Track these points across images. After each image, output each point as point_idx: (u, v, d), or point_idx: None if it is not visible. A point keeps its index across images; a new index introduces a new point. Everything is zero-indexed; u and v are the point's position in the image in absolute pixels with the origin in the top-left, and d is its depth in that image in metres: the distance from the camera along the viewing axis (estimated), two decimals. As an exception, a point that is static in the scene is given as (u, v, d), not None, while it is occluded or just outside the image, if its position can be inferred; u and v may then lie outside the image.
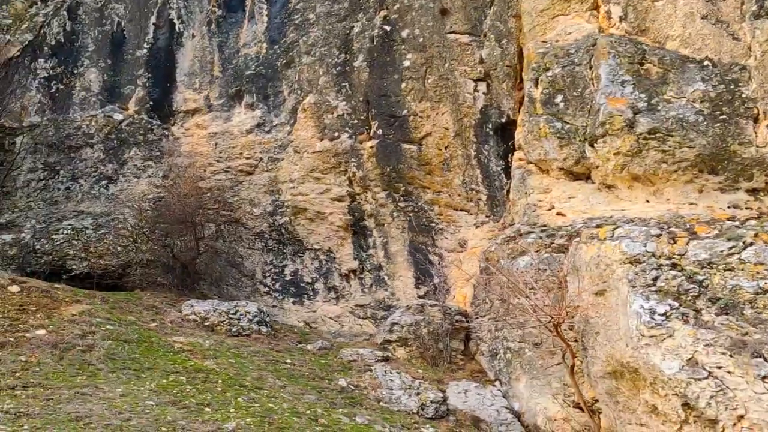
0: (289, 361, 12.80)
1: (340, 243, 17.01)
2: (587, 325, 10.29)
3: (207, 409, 9.45)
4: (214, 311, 14.46)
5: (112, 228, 18.35)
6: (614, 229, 10.24)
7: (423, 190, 16.24)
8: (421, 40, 16.61)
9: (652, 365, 8.82)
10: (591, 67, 13.16)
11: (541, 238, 12.26)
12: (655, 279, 9.25)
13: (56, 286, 14.23)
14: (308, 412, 10.16)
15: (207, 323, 14.20)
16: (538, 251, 12.14)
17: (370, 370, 12.77)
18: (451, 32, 16.39)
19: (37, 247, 18.32)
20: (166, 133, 19.32)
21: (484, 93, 15.92)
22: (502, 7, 15.98)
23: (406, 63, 16.63)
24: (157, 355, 11.53)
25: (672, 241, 9.50)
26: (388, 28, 17.07)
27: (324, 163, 17.20)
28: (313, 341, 14.56)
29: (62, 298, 13.31)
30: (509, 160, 15.63)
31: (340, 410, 10.69)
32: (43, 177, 19.71)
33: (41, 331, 11.18)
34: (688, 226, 9.90)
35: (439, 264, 15.85)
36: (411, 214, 16.26)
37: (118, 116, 19.66)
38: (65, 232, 18.43)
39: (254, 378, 11.32)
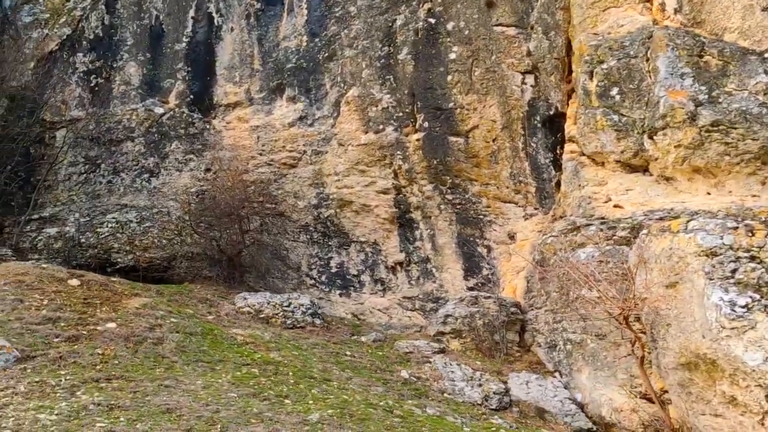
0: (348, 353, 12.89)
1: (386, 235, 17.08)
2: (657, 317, 10.35)
3: (287, 401, 9.55)
4: (268, 303, 14.55)
5: (156, 221, 18.44)
6: (688, 221, 10.27)
7: (470, 183, 16.28)
8: (466, 32, 16.62)
9: (733, 357, 8.88)
10: (648, 60, 13.16)
11: (601, 230, 12.30)
12: (734, 271, 9.29)
13: (113, 279, 14.33)
14: (381, 403, 10.25)
15: (262, 315, 14.29)
16: (598, 243, 12.19)
17: (429, 362, 12.84)
18: (497, 25, 16.41)
19: (82, 240, 18.43)
20: (208, 126, 19.41)
21: (531, 85, 15.94)
22: (549, 0, 15.94)
23: (452, 56, 16.67)
24: (223, 347, 11.63)
25: (750, 234, 9.54)
26: (432, 20, 17.09)
27: (369, 156, 17.25)
28: (366, 333, 14.64)
29: (121, 291, 13.42)
30: (558, 152, 15.68)
31: (410, 402, 10.78)
32: (85, 171, 19.82)
33: (111, 324, 11.29)
34: (763, 219, 9.92)
35: (487, 256, 15.91)
36: (458, 207, 16.31)
37: (159, 110, 19.75)
38: (110, 225, 18.54)
39: (320, 370, 11.41)
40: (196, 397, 8.99)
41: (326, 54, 18.49)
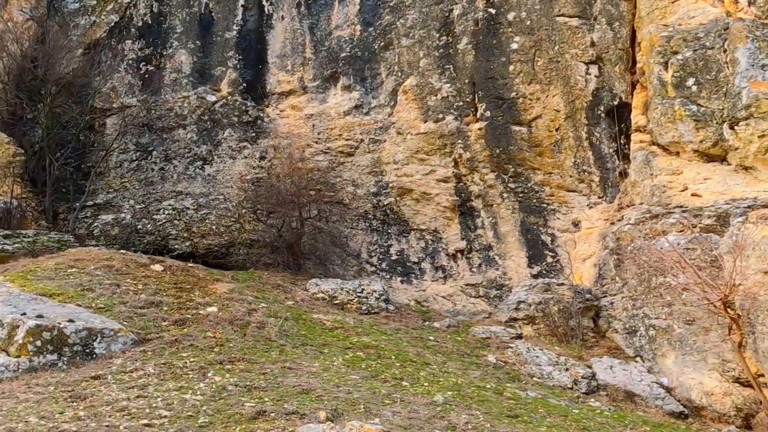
0: (431, 338, 13.11)
1: (446, 223, 17.29)
2: (755, 303, 10.63)
3: (404, 383, 9.76)
4: (342, 290, 14.74)
5: (213, 208, 18.59)
6: (791, 209, 10.52)
7: (533, 171, 16.50)
8: (528, 23, 16.79)
9: None
10: (725, 51, 13.38)
11: (685, 218, 12.54)
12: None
13: (190, 265, 14.47)
14: (488, 386, 10.48)
15: (336, 301, 14.48)
16: (682, 231, 12.43)
17: (510, 347, 13.07)
18: (559, 15, 16.57)
19: (139, 227, 18.59)
20: (261, 114, 19.52)
21: (595, 75, 16.14)
22: (613, -9, 16.12)
23: (514, 46, 16.83)
24: (317, 331, 11.83)
25: None
26: (492, 11, 17.24)
27: (429, 145, 17.43)
28: (437, 319, 14.86)
29: (203, 277, 13.58)
30: (621, 141, 15.90)
31: (508, 385, 11.01)
32: (136, 158, 19.93)
33: (212, 309, 11.46)
34: None
35: (551, 244, 16.15)
36: (521, 195, 16.54)
37: (211, 98, 19.85)
38: (166, 212, 18.67)
39: (415, 354, 11.62)
40: (323, 379, 9.19)
41: (382, 43, 18.62)
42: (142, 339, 10.12)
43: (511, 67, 16.78)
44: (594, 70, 16.18)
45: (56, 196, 19.52)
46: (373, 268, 17.56)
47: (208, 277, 13.59)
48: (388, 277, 17.23)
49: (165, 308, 11.31)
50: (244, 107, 19.55)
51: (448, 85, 17.42)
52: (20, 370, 9.27)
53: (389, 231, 17.74)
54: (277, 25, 20.18)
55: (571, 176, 16.16)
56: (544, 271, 16.04)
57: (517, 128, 16.56)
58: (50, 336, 9.52)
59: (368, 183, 18.03)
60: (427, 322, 14.59)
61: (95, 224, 18.87)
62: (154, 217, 18.67)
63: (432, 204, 17.38)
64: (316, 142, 18.82)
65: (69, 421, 7.42)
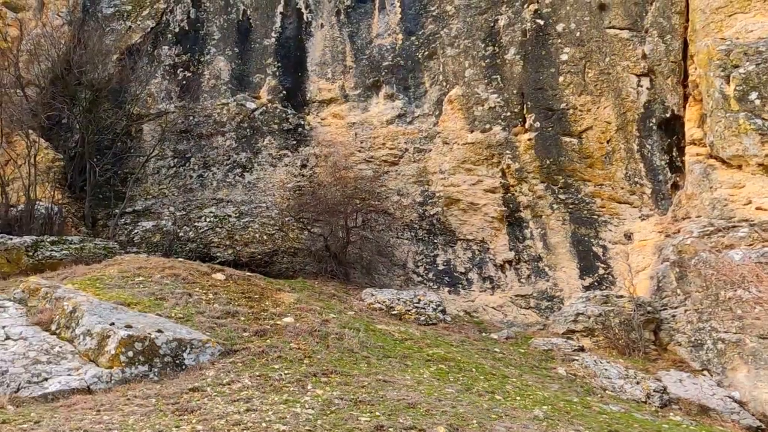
0: (497, 349, 13.05)
1: (493, 234, 17.26)
2: (836, 318, 10.63)
3: (498, 397, 9.69)
4: (398, 300, 14.67)
5: (256, 216, 18.48)
6: None
7: (583, 183, 16.50)
8: (578, 34, 16.82)
9: None
10: (789, 66, 13.44)
11: (755, 232, 12.56)
12: None
13: (248, 274, 14.34)
14: (573, 399, 10.43)
15: (394, 312, 14.40)
16: (751, 245, 12.45)
17: (575, 359, 13.03)
18: (610, 27, 16.61)
19: (180, 234, 18.45)
20: (302, 122, 19.47)
21: (647, 88, 16.17)
22: (665, 4, 16.18)
23: (564, 57, 16.85)
24: (390, 343, 11.74)
25: None
26: (540, 21, 17.27)
27: (476, 155, 17.42)
28: (493, 331, 14.81)
29: (265, 287, 13.47)
30: (673, 154, 15.93)
31: (588, 398, 10.96)
32: (174, 164, 19.81)
33: (289, 319, 11.35)
34: None
35: (603, 255, 16.13)
36: (571, 206, 16.52)
37: (251, 105, 19.78)
38: (208, 219, 18.55)
39: (491, 367, 11.56)
40: (421, 393, 9.11)
41: (426, 52, 18.63)
42: (228, 350, 10.00)
43: (561, 78, 16.79)
44: (645, 82, 16.20)
45: (94, 202, 19.37)
46: (420, 278, 17.50)
47: (270, 287, 13.47)
48: (435, 287, 17.16)
49: (242, 318, 11.19)
50: (284, 115, 19.49)
51: (495, 95, 17.42)
52: (113, 382, 9.14)
53: (435, 241, 17.69)
54: (316, 32, 20.15)
55: (622, 188, 16.15)
56: (595, 283, 16.02)
57: (567, 139, 16.56)
58: (142, 347, 9.40)
59: (414, 192, 17.98)
60: (484, 333, 14.53)
61: (135, 231, 18.72)
62: (196, 224, 18.53)
63: (479, 214, 17.35)
64: (359, 151, 18.76)
65: (189, 435, 7.31)
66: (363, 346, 10.93)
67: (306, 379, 9.17)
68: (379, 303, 14.65)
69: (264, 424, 7.63)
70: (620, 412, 10.44)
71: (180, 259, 15.04)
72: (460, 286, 17.20)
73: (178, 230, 18.46)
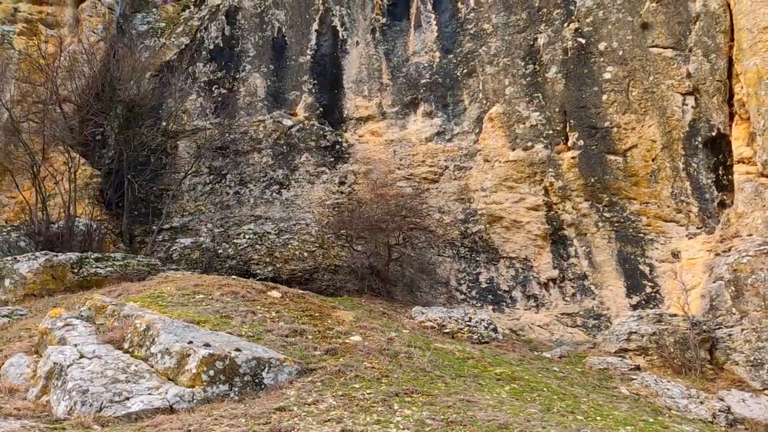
0: (556, 368, 12.97)
1: (537, 251, 17.22)
2: None
3: (579, 417, 9.61)
4: (450, 318, 14.59)
5: (295, 233, 18.42)
6: None
7: (628, 201, 16.50)
8: (620, 53, 16.89)
9: None
10: (843, 85, 13.50)
11: (817, 251, 12.56)
12: None
13: (301, 292, 14.26)
14: (650, 419, 10.36)
15: (446, 330, 14.32)
16: (812, 264, 12.45)
17: (633, 378, 12.95)
18: (653, 46, 16.69)
19: (220, 251, 18.36)
20: (339, 139, 19.47)
21: (692, 107, 16.22)
22: (709, 23, 16.27)
23: (607, 75, 16.92)
24: (454, 361, 11.66)
25: None
26: (582, 40, 17.34)
27: (518, 173, 17.42)
28: (544, 349, 14.74)
29: (320, 304, 13.37)
30: (720, 172, 15.95)
31: (660, 418, 10.89)
32: (210, 181, 19.77)
33: (357, 338, 11.27)
34: None
35: (650, 274, 16.10)
36: (617, 224, 16.51)
37: (288, 122, 19.79)
38: (247, 236, 18.48)
39: (557, 386, 11.48)
40: (507, 413, 9.03)
41: (465, 70, 18.68)
42: (304, 369, 9.91)
43: (605, 97, 16.85)
44: (690, 101, 16.25)
45: (130, 219, 19.31)
46: (463, 296, 17.43)
47: (325, 305, 13.39)
48: (479, 305, 17.09)
49: (310, 337, 11.10)
50: (321, 132, 19.49)
51: (537, 113, 17.46)
52: (195, 401, 9.03)
53: (477, 258, 17.65)
54: (351, 50, 20.21)
55: (668, 206, 16.16)
56: (643, 302, 15.98)
57: (612, 157, 16.59)
58: (222, 366, 9.31)
59: (455, 210, 17.96)
60: (536, 352, 14.45)
61: (174, 248, 18.64)
62: (235, 241, 18.46)
63: (522, 232, 17.32)
64: (398, 168, 18.76)
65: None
66: (433, 365, 10.84)
67: (390, 398, 9.08)
68: (431, 321, 14.56)
69: (365, 445, 7.54)
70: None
71: (233, 276, 14.95)
72: (504, 304, 17.14)
73: (217, 247, 18.38)
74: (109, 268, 15.89)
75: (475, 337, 14.31)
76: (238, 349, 9.62)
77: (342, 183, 19.10)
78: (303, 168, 19.38)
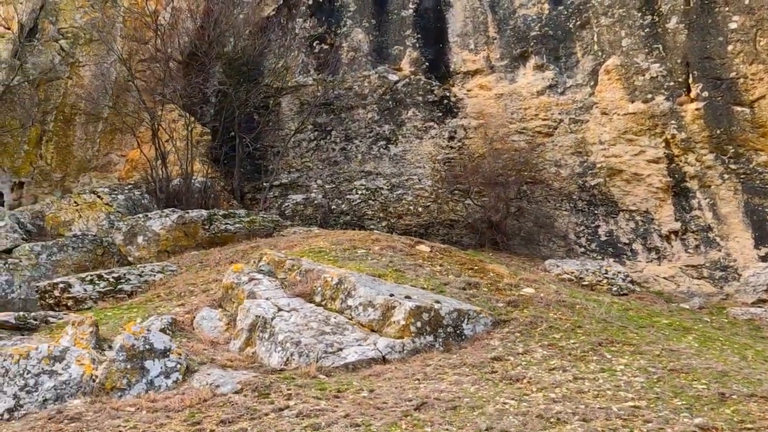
0: (707, 319, 13.02)
1: (658, 204, 17.15)
2: None
3: (777, 366, 9.68)
4: (586, 270, 14.64)
5: (408, 188, 18.48)
6: None
7: (755, 153, 16.31)
8: (747, 2, 16.51)
9: None
10: None
11: None
12: None
13: (442, 245, 14.35)
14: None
15: (585, 283, 14.38)
16: None
17: (784, 330, 12.98)
18: (782, -6, 16.28)
19: (333, 207, 18.47)
20: (447, 94, 19.36)
21: (824, 56, 15.89)
22: (842, -31, 15.85)
23: (732, 25, 16.57)
24: (623, 312, 11.74)
25: None
26: (704, -11, 16.96)
27: (637, 125, 17.26)
28: (679, 301, 14.77)
29: (470, 258, 13.47)
30: None
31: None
32: (314, 137, 19.81)
33: (529, 290, 11.37)
34: None
35: (779, 225, 16.01)
36: (743, 176, 16.34)
37: (393, 77, 19.69)
38: (359, 192, 18.57)
39: (723, 335, 11.53)
40: (716, 360, 9.11)
41: (577, 22, 18.42)
42: (496, 321, 10.02)
43: (730, 47, 16.54)
44: (823, 49, 15.92)
45: (239, 176, 19.46)
46: (582, 249, 17.46)
47: (473, 258, 13.48)
48: (600, 258, 17.12)
49: (485, 289, 11.20)
50: (428, 86, 19.39)
51: (657, 64, 17.21)
52: (405, 352, 9.18)
53: (595, 212, 17.62)
54: (455, 3, 19.99)
55: (798, 157, 15.97)
56: (772, 253, 15.91)
57: (738, 109, 16.35)
58: (428, 317, 9.44)
59: (572, 163, 17.89)
60: (673, 303, 14.49)
61: (286, 204, 18.80)
62: (348, 197, 18.57)
63: (643, 185, 17.23)
64: (510, 122, 18.66)
65: (546, 403, 7.34)
66: (611, 316, 10.92)
67: (597, 348, 9.18)
68: (567, 274, 14.63)
69: (609, 392, 7.66)
70: None
71: (377, 231, 15.07)
72: (625, 256, 17.15)
73: (330, 203, 18.50)
74: (237, 225, 16.07)
75: (615, 289, 14.37)
76: (437, 302, 9.75)
77: (452, 138, 19.06)
78: (410, 123, 19.34)
